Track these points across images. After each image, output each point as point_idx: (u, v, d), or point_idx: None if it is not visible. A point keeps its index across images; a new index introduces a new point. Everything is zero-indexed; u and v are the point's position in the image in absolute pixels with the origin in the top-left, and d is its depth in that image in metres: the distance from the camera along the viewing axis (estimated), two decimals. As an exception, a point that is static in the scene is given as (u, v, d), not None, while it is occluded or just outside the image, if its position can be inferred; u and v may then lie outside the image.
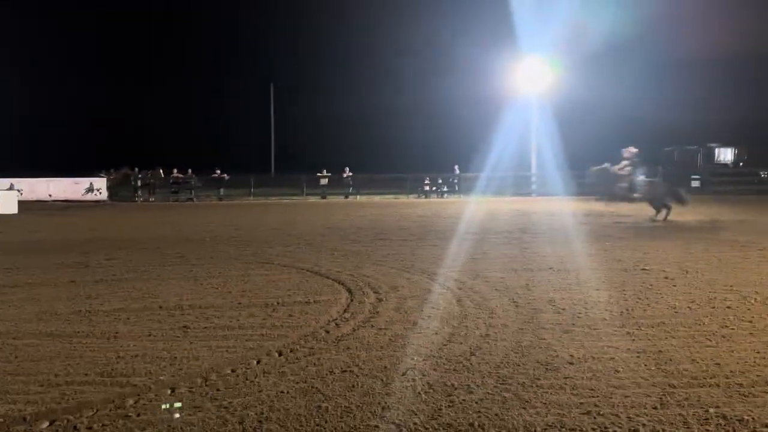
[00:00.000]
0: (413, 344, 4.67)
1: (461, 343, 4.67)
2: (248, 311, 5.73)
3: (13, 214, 17.81)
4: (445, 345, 4.64)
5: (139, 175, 25.83)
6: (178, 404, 3.49)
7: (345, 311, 5.74)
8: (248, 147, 40.19)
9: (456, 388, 3.73)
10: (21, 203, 19.34)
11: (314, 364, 4.21)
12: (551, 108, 29.39)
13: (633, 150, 14.85)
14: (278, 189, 30.35)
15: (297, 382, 3.84)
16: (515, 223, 14.77)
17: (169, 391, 3.68)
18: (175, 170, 27.03)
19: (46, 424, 3.22)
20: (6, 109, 37.34)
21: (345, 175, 29.58)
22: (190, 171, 27.16)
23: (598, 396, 3.60)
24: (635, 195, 14.58)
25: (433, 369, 4.09)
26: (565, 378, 3.90)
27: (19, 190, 20.77)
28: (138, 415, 3.34)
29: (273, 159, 42.07)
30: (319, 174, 29.73)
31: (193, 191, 26.73)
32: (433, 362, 4.23)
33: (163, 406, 3.47)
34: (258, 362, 4.22)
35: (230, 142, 39.52)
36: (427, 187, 29.96)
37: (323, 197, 28.63)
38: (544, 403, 3.49)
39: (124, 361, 4.26)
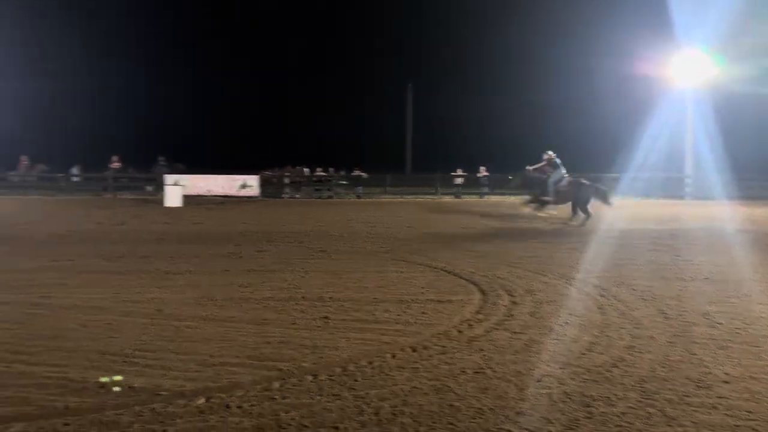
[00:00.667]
0: (549, 351, 4.53)
1: (602, 353, 4.45)
2: (383, 306, 5.89)
3: (177, 207, 19.77)
4: (584, 354, 4.45)
5: (287, 173, 27.54)
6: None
7: (478, 312, 5.70)
8: (385, 145, 41.11)
9: (595, 400, 3.57)
10: (184, 197, 21.38)
11: (447, 362, 4.24)
12: (710, 105, 26.84)
13: (551, 153, 15.09)
14: (413, 188, 30.76)
15: (430, 379, 3.89)
16: (665, 227, 13.73)
17: (310, 378, 3.89)
18: (319, 169, 28.46)
19: (202, 399, 3.54)
20: (173, 111, 41.45)
21: (480, 175, 29.27)
22: (332, 170, 28.44)
23: (757, 419, 3.27)
24: (552, 197, 14.68)
25: (570, 378, 3.94)
26: (719, 397, 3.58)
27: (183, 186, 22.97)
28: (283, 398, 3.57)
29: (409, 158, 42.72)
30: (453, 173, 29.69)
31: (332, 189, 27.93)
32: (571, 371, 4.07)
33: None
34: (393, 356, 4.34)
35: (368, 141, 40.70)
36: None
37: (457, 197, 28.57)
38: (694, 423, 3.24)
39: (271, 346, 4.58)
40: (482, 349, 4.55)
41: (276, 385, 3.77)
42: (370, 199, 27.39)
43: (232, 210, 18.93)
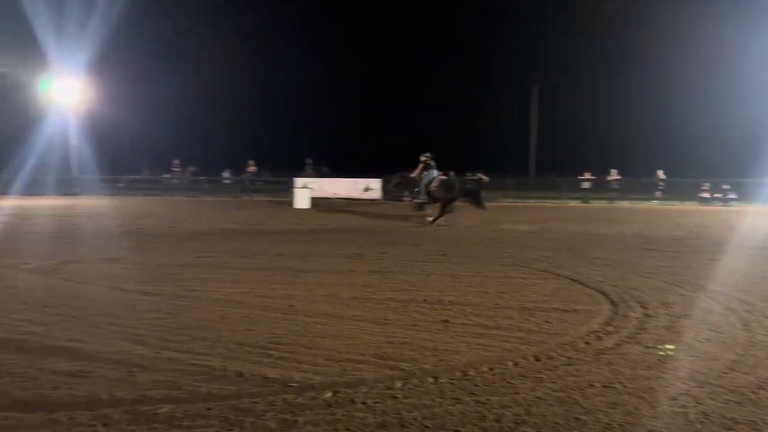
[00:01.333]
0: (686, 368, 4.24)
1: (747, 374, 4.09)
2: (505, 313, 5.81)
3: (305, 209, 20.80)
4: (725, 373, 4.12)
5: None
6: None
7: (607, 324, 5.46)
8: (506, 147, 40.28)
9: (738, 423, 3.30)
10: (311, 199, 22.44)
11: (572, 374, 4.11)
12: None
13: (428, 154, 15.45)
14: (536, 191, 29.92)
15: (554, 390, 3.80)
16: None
17: (431, 380, 3.95)
18: (439, 172, 28.68)
19: (329, 393, 3.72)
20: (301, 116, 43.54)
21: (611, 178, 27.86)
22: (452, 173, 28.47)
23: None
24: (425, 198, 15.09)
25: (709, 398, 3.67)
26: None
27: (310, 188, 24.08)
28: (405, 397, 3.66)
29: (533, 160, 41.56)
30: (580, 176, 28.52)
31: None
32: (710, 390, 3.79)
33: None
34: (515, 364, 4.28)
35: (488, 143, 40.09)
36: (706, 194, 26.55)
37: (585, 201, 27.38)
38: None
39: (393, 346, 4.69)
40: (612, 363, 4.35)
41: (398, 384, 3.86)
42: (491, 203, 27.02)
43: (356, 212, 19.54)
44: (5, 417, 3.33)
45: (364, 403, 3.57)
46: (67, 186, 29.17)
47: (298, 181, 25.93)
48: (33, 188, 26.52)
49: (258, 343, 4.76)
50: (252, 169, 29.99)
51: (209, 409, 3.46)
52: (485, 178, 15.72)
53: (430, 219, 14.96)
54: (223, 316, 5.63)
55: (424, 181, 15.32)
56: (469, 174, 16.40)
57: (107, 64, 32.06)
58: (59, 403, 3.53)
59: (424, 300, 6.34)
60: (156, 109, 35.50)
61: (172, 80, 35.76)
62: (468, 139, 42.18)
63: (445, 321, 5.48)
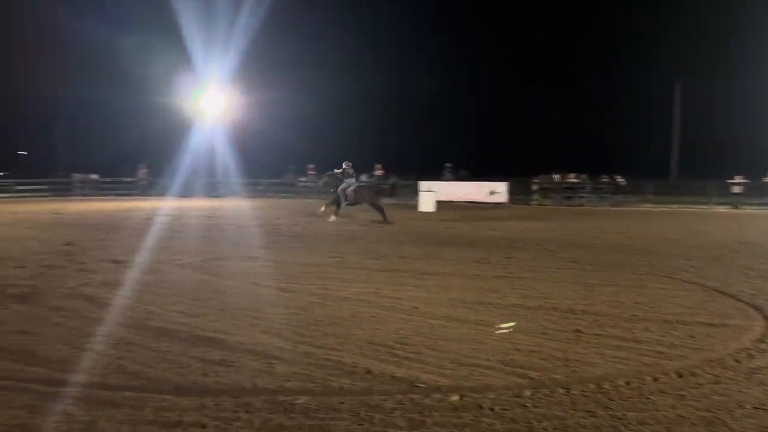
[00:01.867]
0: None
1: None
2: (643, 325, 5.48)
3: (430, 212, 20.95)
4: None
5: (536, 180, 27.19)
6: None
7: (761, 341, 4.96)
8: (647, 150, 37.79)
9: None
10: (436, 202, 22.55)
11: (719, 393, 3.79)
12: None
13: (349, 163, 17.10)
14: (679, 196, 27.79)
15: (698, 409, 3.53)
16: None
17: (562, 390, 3.82)
18: (570, 175, 27.48)
19: (456, 397, 3.72)
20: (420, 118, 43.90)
21: None
22: (585, 176, 27.21)
23: None
24: (343, 200, 16.62)
25: None
26: None
27: (435, 192, 24.21)
28: (534, 406, 3.58)
29: (675, 163, 38.67)
30: (730, 180, 26.11)
31: (584, 196, 26.70)
32: None
33: None
34: (654, 380, 4.02)
35: (628, 145, 37.82)
36: None
37: (736, 207, 25.03)
38: None
39: (521, 354, 4.60)
40: (765, 383, 3.96)
41: (527, 392, 3.78)
42: (628, 208, 25.53)
43: (481, 216, 19.33)
44: (163, 399, 3.69)
45: (491, 409, 3.54)
46: (212, 189, 31.69)
47: (423, 185, 26.15)
48: (184, 191, 29.12)
49: (385, 342, 4.88)
50: (379, 172, 30.71)
51: (341, 403, 3.61)
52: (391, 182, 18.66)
53: (332, 216, 16.76)
54: (353, 314, 5.84)
55: (342, 186, 17.18)
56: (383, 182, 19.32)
57: (249, 73, 34.43)
58: (207, 390, 3.85)
59: (554, 308, 6.14)
60: (293, 116, 37.51)
61: (307, 89, 37.64)
62: (604, 140, 40.14)
63: (577, 331, 5.28)
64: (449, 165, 29.82)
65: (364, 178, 17.13)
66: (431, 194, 23.04)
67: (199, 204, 24.87)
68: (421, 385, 3.91)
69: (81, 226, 14.92)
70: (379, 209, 16.59)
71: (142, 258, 9.49)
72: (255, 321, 5.58)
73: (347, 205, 17.13)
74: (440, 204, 23.08)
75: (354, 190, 16.97)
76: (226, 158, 33.84)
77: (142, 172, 33.23)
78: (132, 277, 7.87)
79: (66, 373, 4.17)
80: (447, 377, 4.06)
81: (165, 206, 21.51)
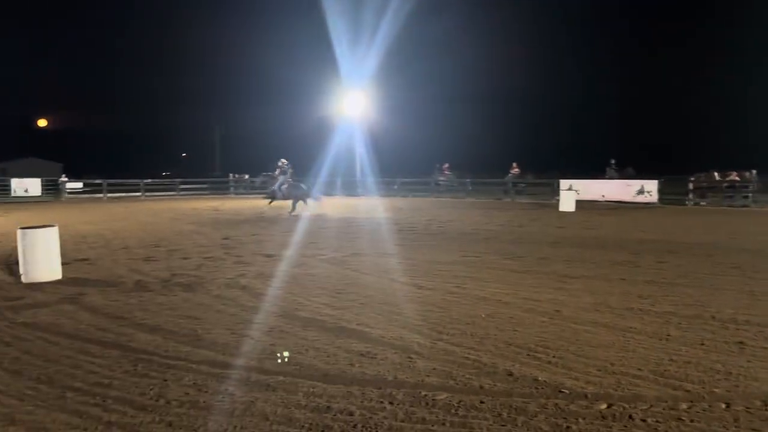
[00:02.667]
0: None
1: None
2: (823, 340, 4.87)
3: (570, 212, 20.09)
4: None
5: (692, 178, 24.98)
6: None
7: None
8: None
9: None
10: (577, 202, 21.57)
11: None
12: None
13: (284, 161, 19.92)
14: None
15: None
16: None
17: (723, 405, 3.52)
18: (733, 173, 24.90)
19: (604, 405, 3.57)
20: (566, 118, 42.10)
21: None
22: (754, 172, 24.39)
23: None
24: (280, 194, 19.25)
25: None
26: None
27: (576, 191, 23.18)
28: (691, 420, 3.33)
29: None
30: None
31: (750, 196, 24.10)
32: None
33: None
34: (837, 403, 3.57)
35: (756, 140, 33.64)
36: None
37: None
38: None
39: (676, 364, 4.29)
40: None
41: (683, 405, 3.53)
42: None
43: (628, 216, 18.20)
44: (313, 386, 3.92)
45: (643, 420, 3.35)
46: (351, 187, 32.90)
47: (564, 183, 25.17)
48: (326, 190, 30.56)
49: (526, 344, 4.78)
50: (515, 171, 30.03)
51: (482, 402, 3.60)
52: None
53: (291, 211, 18.52)
54: (489, 314, 5.79)
55: (278, 183, 19.41)
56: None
57: (389, 74, 35.33)
58: (353, 379, 4.03)
59: (713, 317, 5.65)
60: (428, 116, 37.92)
61: (441, 89, 37.83)
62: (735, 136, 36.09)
63: (740, 343, 4.82)
64: (613, 162, 28.13)
65: (287, 176, 19.61)
66: (572, 193, 22.08)
67: (339, 202, 25.94)
68: (565, 390, 3.79)
69: (236, 222, 16.20)
70: (296, 202, 19.02)
71: (290, 252, 10.11)
72: (394, 316, 5.73)
73: (281, 199, 19.36)
74: (582, 204, 22.06)
75: (288, 187, 19.35)
76: (364, 158, 34.97)
77: (290, 172, 35.31)
78: (282, 269, 8.42)
79: (227, 356, 4.58)
80: (593, 384, 3.90)
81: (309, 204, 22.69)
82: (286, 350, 4.64)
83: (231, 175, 36.49)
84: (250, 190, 34.23)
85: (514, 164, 30.11)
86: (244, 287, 7.20)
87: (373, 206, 22.80)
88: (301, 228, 14.30)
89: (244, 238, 12.24)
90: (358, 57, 33.97)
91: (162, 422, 3.38)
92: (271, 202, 19.71)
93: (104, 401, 3.68)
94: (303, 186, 19.93)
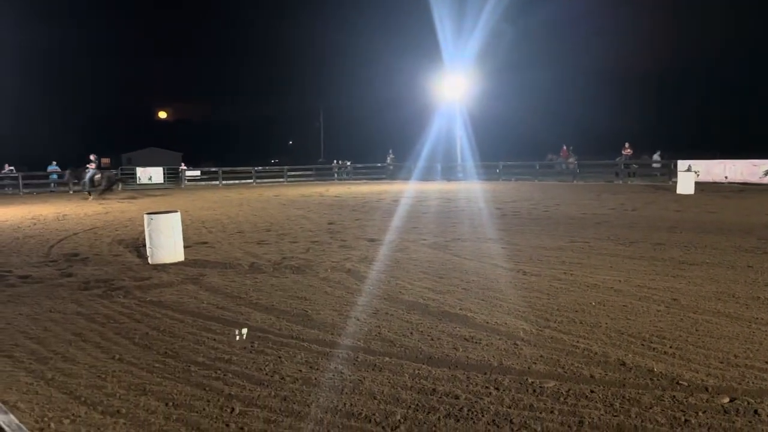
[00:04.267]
0: None
1: None
2: None
3: (689, 194, 18.80)
4: None
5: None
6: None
7: None
8: None
9: None
10: (697, 184, 20.15)
11: None
12: None
13: (94, 155, 22.87)
14: None
15: None
16: None
17: None
18: None
19: (726, 399, 3.35)
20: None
21: None
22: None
23: None
24: (94, 184, 22.08)
25: None
26: None
27: (696, 172, 21.67)
28: (831, 422, 3.05)
29: None
30: None
31: None
32: None
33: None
34: None
35: None
36: None
37: None
38: None
39: (812, 360, 3.93)
40: None
41: (821, 405, 3.24)
42: None
43: (754, 199, 16.76)
44: (418, 368, 3.98)
45: (772, 417, 3.11)
46: (450, 172, 32.73)
47: (682, 164, 23.60)
48: (426, 174, 30.62)
49: (640, 334, 4.57)
50: (627, 151, 28.52)
51: (592, 392, 3.50)
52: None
53: (93, 196, 21.74)
54: (600, 302, 5.58)
55: (89, 175, 22.12)
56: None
57: (486, 58, 34.64)
58: (457, 363, 4.05)
59: None
60: (531, 98, 36.83)
61: (547, 69, 36.55)
62: None
63: None
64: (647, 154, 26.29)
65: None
66: (691, 174, 20.64)
67: (439, 187, 25.89)
68: (683, 382, 3.59)
69: (341, 207, 16.65)
70: (107, 188, 22.60)
71: (392, 237, 10.26)
72: (498, 302, 5.67)
73: (98, 186, 22.08)
74: (702, 186, 20.59)
75: (101, 176, 22.42)
76: (464, 142, 34.60)
77: (390, 158, 35.72)
78: (384, 254, 8.57)
79: (335, 336, 4.75)
80: (715, 377, 3.67)
81: (409, 189, 22.86)
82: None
83: (335, 161, 37.48)
84: (353, 176, 34.99)
85: (627, 144, 28.61)
86: (349, 270, 7.41)
87: (473, 191, 22.57)
88: (401, 213, 14.44)
89: (347, 223, 12.56)
90: (461, 39, 33.53)
91: (277, 397, 3.58)
92: (90, 193, 22.20)
93: (225, 375, 3.95)
94: (112, 175, 24.39)
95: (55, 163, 31.25)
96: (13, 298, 6.36)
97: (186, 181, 33.81)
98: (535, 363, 4.00)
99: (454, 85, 34.62)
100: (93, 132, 62.80)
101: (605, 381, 3.66)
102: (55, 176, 30.23)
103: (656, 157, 28.32)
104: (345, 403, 3.46)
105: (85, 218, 14.81)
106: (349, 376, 3.89)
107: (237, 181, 33.95)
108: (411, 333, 4.77)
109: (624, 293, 5.89)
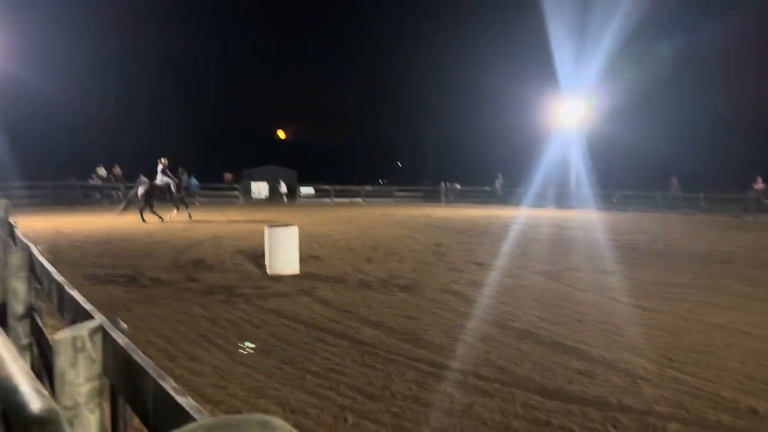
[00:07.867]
0: None
1: None
2: None
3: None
4: None
5: None
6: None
7: None
8: None
9: None
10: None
11: None
12: None
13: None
14: None
15: None
16: None
17: None
18: None
19: None
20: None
21: None
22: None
23: None
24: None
25: None
26: None
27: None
28: None
29: None
30: None
31: None
32: None
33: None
34: None
35: None
36: None
37: None
38: None
39: None
40: None
41: None
42: None
43: None
44: (529, 398, 3.91)
45: None
46: (563, 199, 31.67)
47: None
48: (537, 200, 29.87)
49: (775, 382, 4.20)
50: (759, 186, 26.27)
51: (721, 440, 3.27)
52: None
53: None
54: (728, 344, 5.20)
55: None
56: None
57: (607, 81, 33.43)
58: (572, 397, 3.93)
59: None
60: (657, 124, 35.02)
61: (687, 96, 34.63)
62: None
63: None
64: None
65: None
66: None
67: (551, 214, 25.16)
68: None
69: (448, 230, 16.66)
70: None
71: (501, 262, 10.12)
72: (615, 337, 5.43)
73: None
74: None
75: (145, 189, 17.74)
76: (579, 168, 33.45)
77: (500, 182, 35.22)
78: (493, 278, 8.48)
79: (444, 357, 4.77)
80: None
81: (520, 215, 22.40)
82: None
83: (443, 183, 37.53)
84: (460, 198, 34.87)
85: (759, 178, 26.37)
86: (456, 293, 7.41)
87: (588, 220, 21.72)
88: (511, 238, 14.20)
89: (454, 246, 12.54)
90: (579, 63, 32.69)
91: (388, 412, 3.65)
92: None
93: (337, 386, 4.09)
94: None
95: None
96: (147, 299, 6.96)
97: (300, 197, 35.32)
98: (657, 403, 3.79)
99: (572, 109, 33.67)
100: (221, 144, 67.85)
101: (735, 428, 3.41)
102: (194, 183, 31.81)
103: None
104: (455, 426, 3.47)
105: (208, 227, 15.88)
106: (459, 399, 3.89)
107: (347, 199, 34.93)
108: (522, 361, 4.68)
109: (754, 336, 5.45)
